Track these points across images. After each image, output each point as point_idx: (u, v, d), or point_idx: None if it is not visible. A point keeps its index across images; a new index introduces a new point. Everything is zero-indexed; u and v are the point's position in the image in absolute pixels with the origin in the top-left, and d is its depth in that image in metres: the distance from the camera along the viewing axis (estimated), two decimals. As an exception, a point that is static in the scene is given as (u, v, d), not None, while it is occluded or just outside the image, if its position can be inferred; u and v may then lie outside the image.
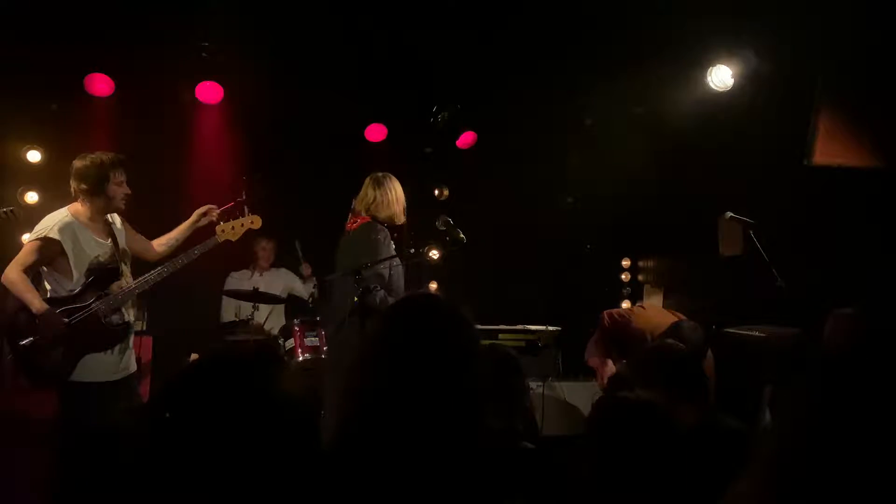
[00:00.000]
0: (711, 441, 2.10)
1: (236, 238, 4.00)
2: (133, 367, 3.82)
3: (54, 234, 3.57)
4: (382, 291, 3.67)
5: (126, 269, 3.78)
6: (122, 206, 3.76)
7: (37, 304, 3.49)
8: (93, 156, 3.69)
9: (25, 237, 5.01)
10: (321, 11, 5.19)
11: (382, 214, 3.99)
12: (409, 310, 1.71)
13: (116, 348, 3.66)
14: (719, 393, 3.50)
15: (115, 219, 3.85)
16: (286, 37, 5.46)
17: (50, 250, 3.57)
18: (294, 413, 1.26)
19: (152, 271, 3.75)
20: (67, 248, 3.58)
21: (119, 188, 3.69)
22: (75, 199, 3.72)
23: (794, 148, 4.80)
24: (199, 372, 1.29)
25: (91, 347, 3.57)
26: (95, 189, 3.64)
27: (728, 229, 5.01)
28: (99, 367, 3.61)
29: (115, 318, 3.65)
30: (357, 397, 1.68)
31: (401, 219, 4.09)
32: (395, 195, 4.07)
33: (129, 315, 3.76)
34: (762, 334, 4.42)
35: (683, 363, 2.57)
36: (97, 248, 3.68)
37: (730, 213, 4.61)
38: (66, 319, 3.53)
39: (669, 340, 3.30)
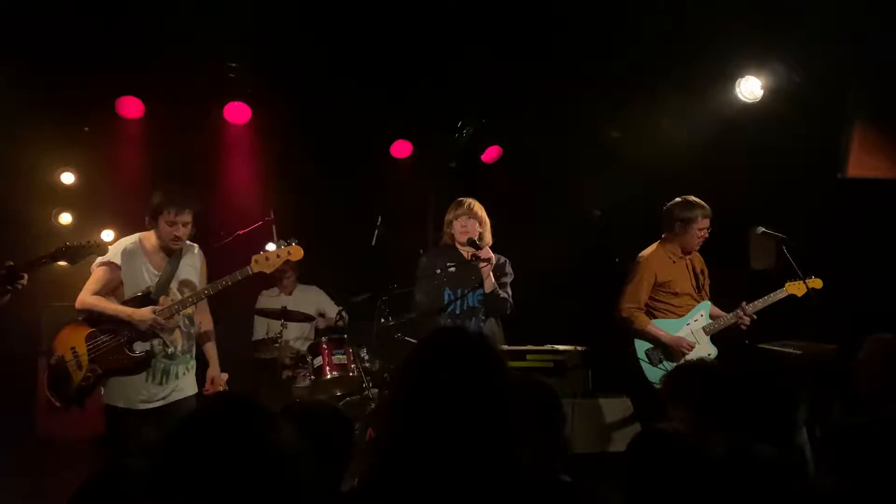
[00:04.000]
0: (744, 471, 2.05)
1: (269, 271, 3.80)
2: (179, 395, 3.76)
3: (116, 259, 3.68)
4: None
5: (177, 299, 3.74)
6: (173, 246, 3.74)
7: (123, 311, 3.60)
8: (158, 190, 3.74)
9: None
10: (346, 30, 5.23)
11: None
12: (435, 344, 1.70)
13: (144, 376, 3.66)
14: (752, 411, 3.41)
15: (194, 254, 3.86)
16: (312, 56, 5.50)
17: (114, 274, 3.67)
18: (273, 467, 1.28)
19: (175, 302, 3.70)
20: (124, 273, 3.68)
21: (168, 228, 3.67)
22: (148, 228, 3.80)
23: (826, 160, 4.72)
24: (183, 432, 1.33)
25: (113, 372, 3.62)
26: (151, 222, 3.70)
27: (759, 244, 4.93)
28: (129, 392, 3.64)
29: (136, 346, 3.65)
30: (388, 433, 1.67)
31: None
32: None
33: (177, 345, 3.74)
34: (797, 351, 4.35)
35: (716, 382, 2.50)
36: (148, 278, 3.73)
37: (761, 228, 4.52)
38: (154, 310, 3.58)
39: (703, 357, 3.22)
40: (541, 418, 2.07)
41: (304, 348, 5.58)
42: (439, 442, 1.52)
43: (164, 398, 3.71)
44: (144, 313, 3.59)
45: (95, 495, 1.48)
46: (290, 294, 5.99)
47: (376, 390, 4.83)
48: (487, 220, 4.07)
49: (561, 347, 3.79)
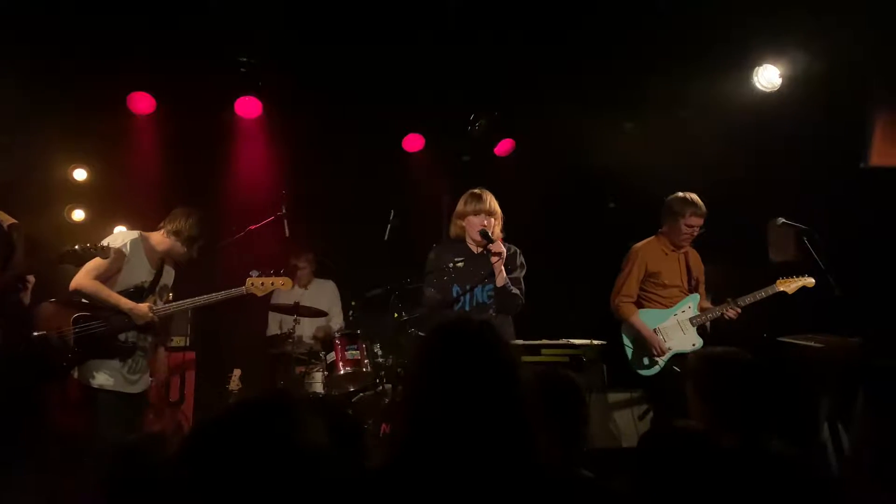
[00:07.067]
0: (756, 468, 2.01)
1: (260, 294, 4.08)
2: (145, 386, 3.97)
3: (126, 249, 3.80)
4: None
5: (159, 301, 3.94)
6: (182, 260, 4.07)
7: (124, 303, 3.72)
8: (200, 216, 4.00)
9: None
10: (356, 23, 5.18)
11: None
12: (440, 336, 1.68)
13: (128, 363, 3.79)
14: (772, 407, 3.33)
15: (171, 268, 4.10)
16: (323, 49, 5.46)
17: (118, 262, 3.76)
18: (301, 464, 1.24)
19: (169, 304, 3.92)
20: (127, 263, 3.79)
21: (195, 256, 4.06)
22: (159, 231, 3.97)
23: (848, 150, 4.62)
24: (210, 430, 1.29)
25: (96, 354, 3.72)
26: (191, 244, 3.96)
27: (779, 235, 4.85)
28: (111, 374, 3.74)
29: (128, 335, 3.80)
30: (402, 427, 1.66)
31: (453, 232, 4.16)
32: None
33: (148, 339, 3.92)
34: (819, 344, 4.26)
35: (746, 373, 2.44)
36: (144, 274, 3.88)
37: (781, 219, 4.47)
38: (151, 308, 3.77)
39: (730, 348, 3.16)
40: (562, 411, 2.03)
41: (318, 344, 5.56)
42: (453, 433, 1.50)
43: (138, 383, 3.88)
44: (144, 309, 3.76)
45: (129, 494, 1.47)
46: (305, 287, 5.95)
47: (390, 385, 4.80)
48: (501, 214, 4.01)
49: (577, 342, 3.72)
